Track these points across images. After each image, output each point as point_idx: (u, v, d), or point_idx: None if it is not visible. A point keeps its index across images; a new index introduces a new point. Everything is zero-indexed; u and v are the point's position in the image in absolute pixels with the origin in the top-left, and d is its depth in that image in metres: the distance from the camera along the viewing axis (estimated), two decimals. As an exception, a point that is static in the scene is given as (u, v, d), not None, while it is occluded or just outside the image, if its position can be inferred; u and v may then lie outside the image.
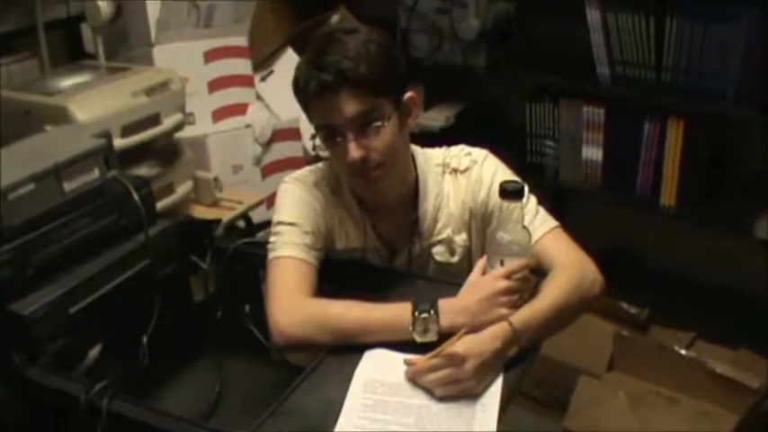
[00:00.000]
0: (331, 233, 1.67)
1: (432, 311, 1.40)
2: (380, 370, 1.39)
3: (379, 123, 1.51)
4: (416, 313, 1.40)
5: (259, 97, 2.90)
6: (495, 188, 1.55)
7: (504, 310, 1.40)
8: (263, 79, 2.95)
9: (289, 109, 2.78)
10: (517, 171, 1.67)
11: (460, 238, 1.68)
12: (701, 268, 2.82)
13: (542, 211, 1.62)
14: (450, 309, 1.41)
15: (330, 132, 1.53)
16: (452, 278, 1.61)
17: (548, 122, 2.87)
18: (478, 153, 1.69)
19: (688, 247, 2.87)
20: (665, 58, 2.53)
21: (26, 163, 1.57)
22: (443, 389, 1.33)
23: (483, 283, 1.44)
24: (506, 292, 1.41)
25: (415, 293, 1.51)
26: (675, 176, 2.65)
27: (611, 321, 2.76)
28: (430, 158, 1.70)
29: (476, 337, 1.36)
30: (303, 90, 1.51)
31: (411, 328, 1.40)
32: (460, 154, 1.69)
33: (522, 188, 1.45)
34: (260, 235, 2.01)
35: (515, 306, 1.42)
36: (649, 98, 2.62)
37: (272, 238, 1.62)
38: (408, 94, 1.58)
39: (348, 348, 1.44)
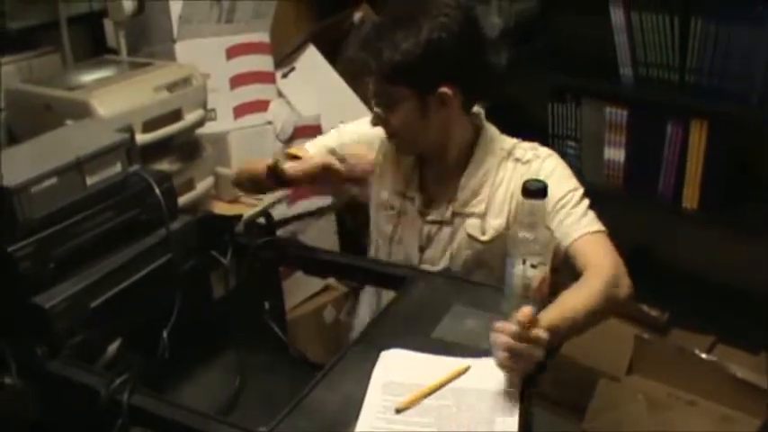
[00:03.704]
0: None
1: None
2: (399, 371, 1.39)
3: (388, 109, 1.69)
4: None
5: (280, 94, 2.90)
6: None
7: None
8: (284, 76, 2.95)
9: (310, 106, 2.77)
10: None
11: (496, 222, 1.72)
12: (722, 271, 2.80)
13: (591, 213, 1.69)
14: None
15: None
16: (481, 255, 1.72)
17: (570, 123, 2.86)
18: (544, 150, 1.79)
19: (710, 250, 2.85)
20: (689, 59, 2.52)
21: (48, 157, 1.57)
22: (513, 360, 1.30)
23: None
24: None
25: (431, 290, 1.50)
26: (698, 179, 2.63)
27: (632, 324, 2.74)
28: (501, 142, 1.80)
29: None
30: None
31: None
32: (528, 147, 1.79)
33: (545, 188, 1.44)
34: (280, 232, 2.00)
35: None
36: (673, 100, 2.61)
37: None
38: (441, 90, 1.64)
39: (367, 346, 1.45)
